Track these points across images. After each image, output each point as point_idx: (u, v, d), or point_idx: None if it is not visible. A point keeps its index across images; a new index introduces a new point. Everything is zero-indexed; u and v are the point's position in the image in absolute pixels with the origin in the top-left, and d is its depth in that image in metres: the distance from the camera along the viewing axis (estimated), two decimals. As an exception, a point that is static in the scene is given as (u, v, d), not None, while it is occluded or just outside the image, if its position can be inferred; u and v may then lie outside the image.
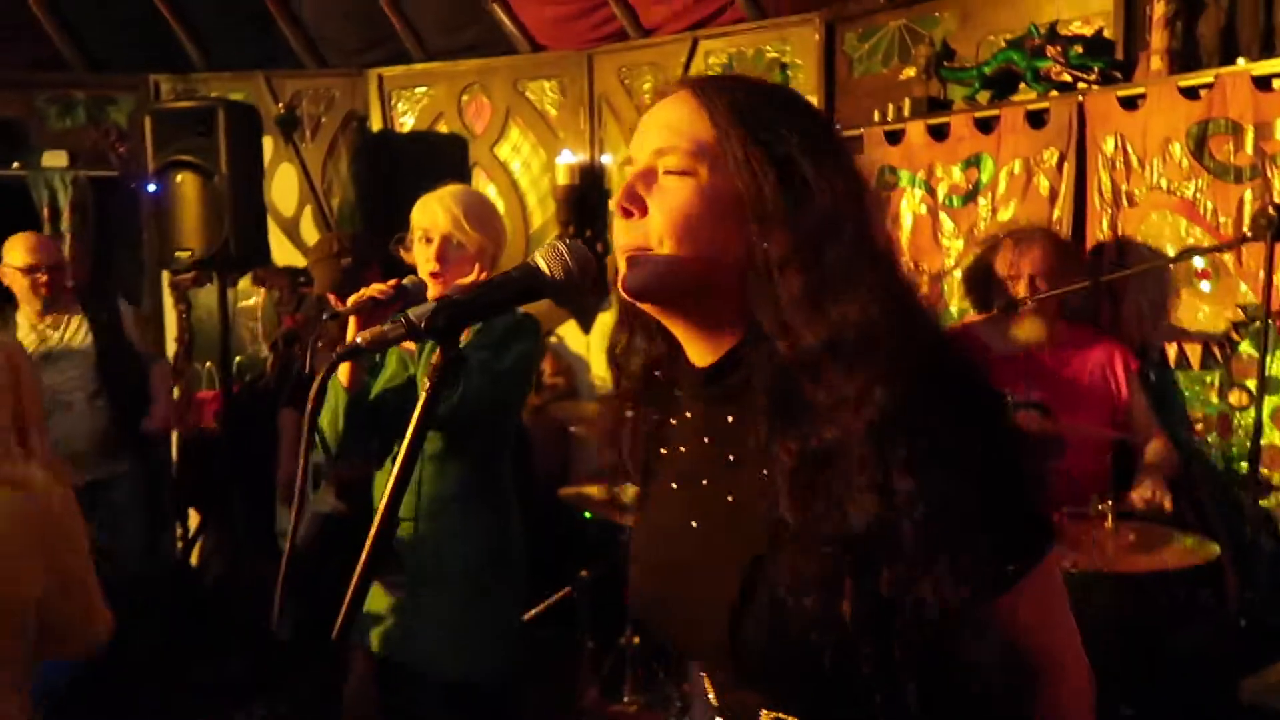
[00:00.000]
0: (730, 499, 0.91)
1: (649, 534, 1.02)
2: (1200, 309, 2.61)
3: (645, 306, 0.94)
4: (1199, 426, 2.62)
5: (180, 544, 4.29)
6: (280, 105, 4.37)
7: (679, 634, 0.98)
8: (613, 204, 0.94)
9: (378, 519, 0.89)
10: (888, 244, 0.90)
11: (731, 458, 0.91)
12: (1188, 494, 2.63)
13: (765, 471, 0.85)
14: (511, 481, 2.11)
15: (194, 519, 4.28)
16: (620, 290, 0.92)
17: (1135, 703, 2.04)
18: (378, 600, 2.05)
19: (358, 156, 4.46)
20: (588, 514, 2.84)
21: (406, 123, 4.42)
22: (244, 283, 4.51)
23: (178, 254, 3.83)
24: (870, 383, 0.81)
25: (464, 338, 1.98)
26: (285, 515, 3.35)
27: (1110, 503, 2.08)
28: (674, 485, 0.99)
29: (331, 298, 3.20)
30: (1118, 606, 2.32)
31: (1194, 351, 2.62)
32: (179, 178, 3.80)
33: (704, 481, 0.95)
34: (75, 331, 3.36)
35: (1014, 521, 0.86)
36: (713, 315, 0.91)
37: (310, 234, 4.40)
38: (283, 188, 4.46)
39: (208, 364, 4.50)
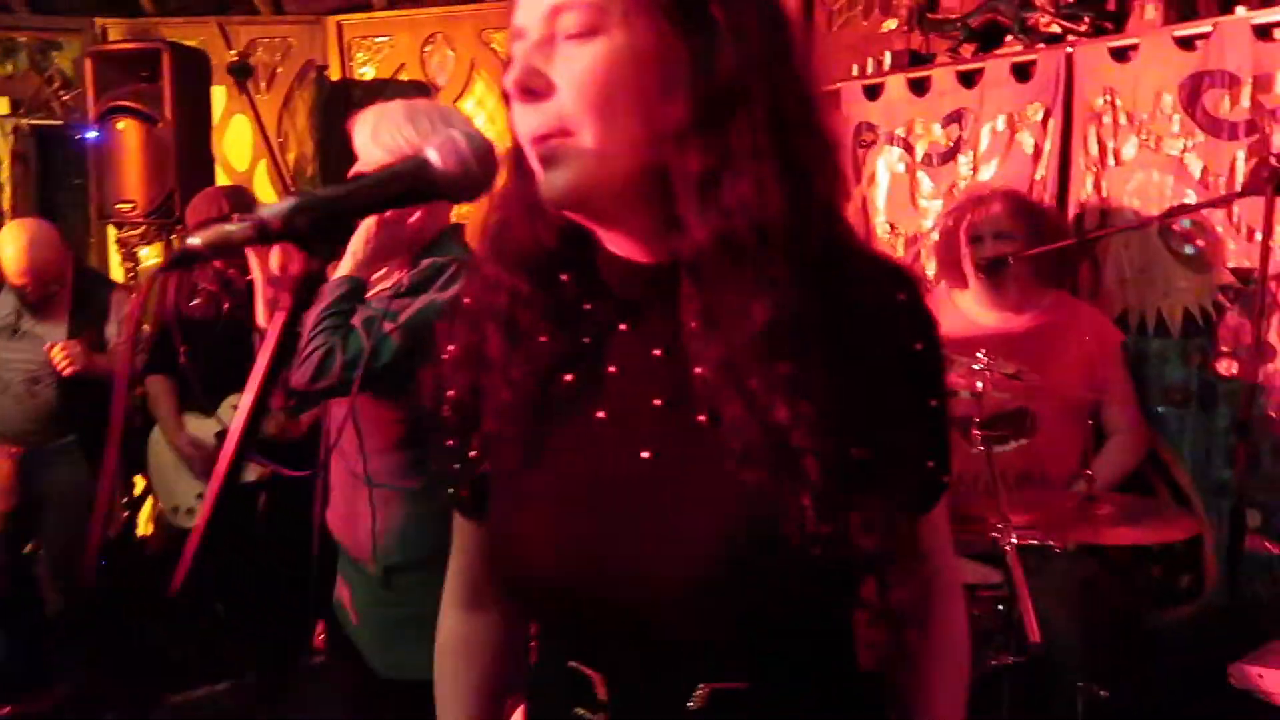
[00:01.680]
0: (702, 418, 0.76)
1: (563, 483, 0.81)
2: (1184, 273, 2.48)
3: (579, 216, 0.78)
4: (1177, 397, 2.50)
5: (125, 513, 4.12)
6: (234, 53, 4.16)
7: (619, 594, 0.78)
8: (507, 81, 0.76)
9: (222, 467, 0.73)
10: (811, 115, 0.77)
11: (699, 370, 0.76)
12: (1164, 472, 2.52)
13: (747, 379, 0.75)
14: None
15: (140, 485, 4.11)
16: (543, 199, 0.77)
17: (1111, 684, 1.93)
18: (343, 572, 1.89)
19: (316, 108, 4.27)
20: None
21: (367, 74, 4.22)
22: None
23: (119, 206, 3.64)
24: (762, 286, 0.72)
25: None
26: (186, 488, 3.09)
27: (1090, 474, 1.96)
28: (600, 415, 0.81)
29: (219, 262, 2.99)
30: (1095, 586, 2.21)
31: (1175, 318, 2.49)
32: (121, 125, 3.61)
33: (656, 402, 0.79)
34: (53, 329, 3.11)
35: (941, 448, 0.86)
36: (652, 207, 0.76)
37: (265, 190, 4.20)
38: (236, 140, 4.26)
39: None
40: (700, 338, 0.76)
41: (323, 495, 1.95)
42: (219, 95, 4.03)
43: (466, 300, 0.88)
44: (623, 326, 0.82)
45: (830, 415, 0.73)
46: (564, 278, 0.82)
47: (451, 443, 0.90)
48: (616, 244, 0.81)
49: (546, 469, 0.82)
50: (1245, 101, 2.33)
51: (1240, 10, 2.36)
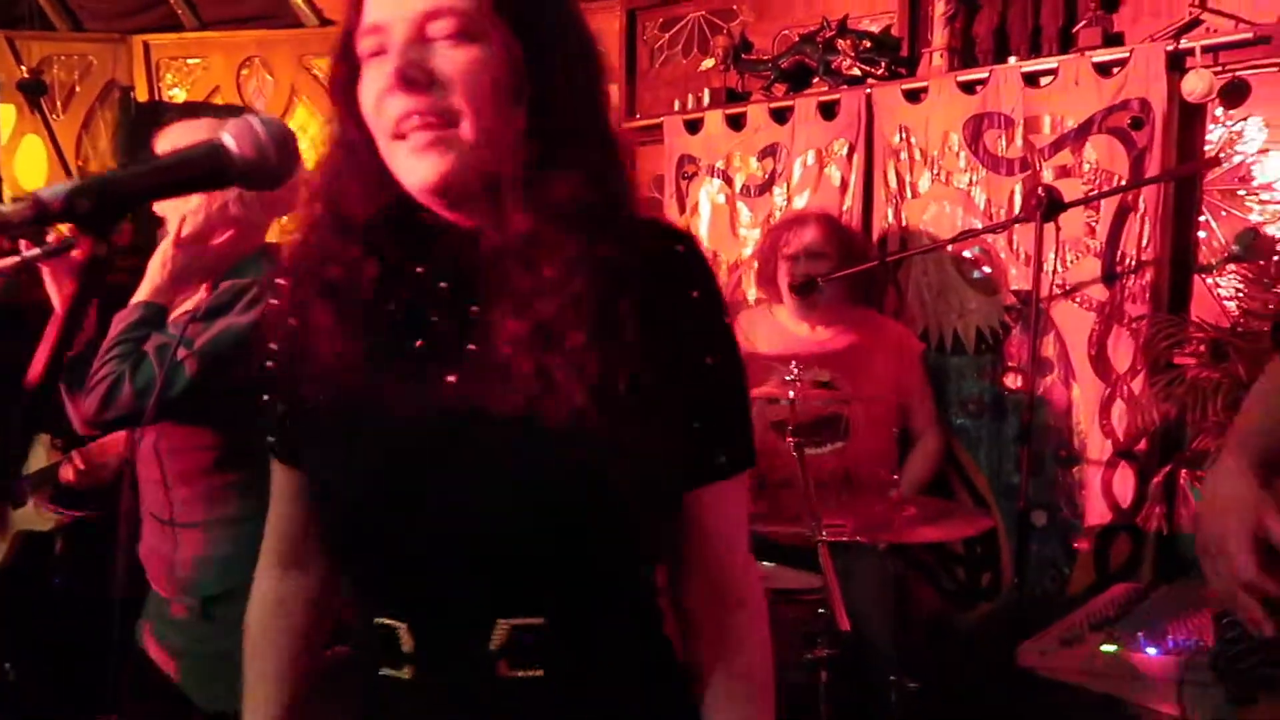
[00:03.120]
0: (496, 368, 0.83)
1: (375, 426, 0.86)
2: (975, 296, 2.71)
3: (439, 199, 0.85)
4: (972, 408, 2.72)
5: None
6: (24, 69, 3.88)
7: (419, 532, 0.84)
8: (385, 73, 0.81)
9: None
10: (609, 127, 0.89)
11: (504, 326, 0.83)
12: (962, 476, 2.73)
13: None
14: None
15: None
16: (426, 180, 0.82)
17: (921, 676, 2.06)
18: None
19: (120, 131, 4.04)
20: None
21: (177, 96, 4.03)
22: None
23: (-115, 229, 3.30)
24: (572, 264, 0.81)
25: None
26: None
27: (896, 478, 2.10)
28: (413, 365, 0.86)
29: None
30: (905, 587, 2.36)
31: (969, 336, 2.71)
32: (-112, 142, 3.30)
33: (470, 348, 0.85)
34: None
35: (727, 416, 0.91)
36: (489, 194, 0.84)
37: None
38: (28, 161, 3.96)
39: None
40: (507, 302, 0.83)
41: (130, 534, 1.83)
42: (8, 114, 3.75)
43: (292, 263, 0.91)
44: (442, 285, 0.88)
45: (610, 371, 0.80)
46: (392, 244, 0.88)
47: (272, 394, 0.94)
48: (447, 217, 0.87)
49: (361, 414, 0.86)
50: (1019, 140, 2.58)
51: (1012, 59, 2.63)
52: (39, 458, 2.72)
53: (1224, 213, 2.38)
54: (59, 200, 0.66)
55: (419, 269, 0.88)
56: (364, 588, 0.92)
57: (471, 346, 0.85)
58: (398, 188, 0.85)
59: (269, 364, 0.93)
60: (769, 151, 3.05)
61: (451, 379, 0.85)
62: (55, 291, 1.75)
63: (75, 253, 0.69)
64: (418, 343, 0.87)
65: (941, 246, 2.63)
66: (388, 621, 0.87)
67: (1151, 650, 1.53)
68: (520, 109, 0.82)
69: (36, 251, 1.69)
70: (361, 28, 0.84)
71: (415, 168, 0.82)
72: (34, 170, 3.99)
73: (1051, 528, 2.59)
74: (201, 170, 0.73)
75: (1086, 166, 2.49)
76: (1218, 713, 1.31)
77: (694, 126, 3.21)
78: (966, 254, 2.72)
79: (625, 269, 0.83)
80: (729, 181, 3.13)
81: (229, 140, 0.73)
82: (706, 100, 3.21)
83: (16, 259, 1.75)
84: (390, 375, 0.86)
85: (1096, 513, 2.53)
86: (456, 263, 0.87)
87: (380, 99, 0.82)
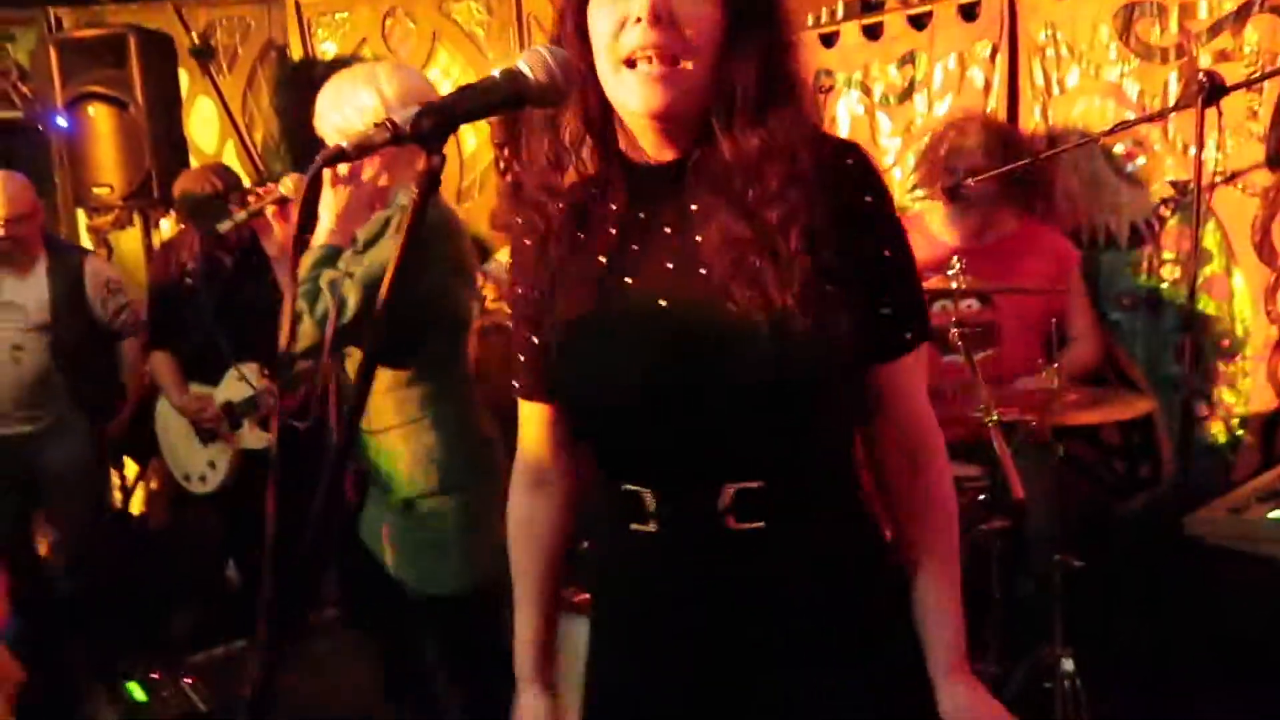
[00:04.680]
0: (703, 271, 1.00)
1: (612, 336, 1.04)
2: (1127, 189, 2.69)
3: (657, 121, 1.00)
4: (1127, 303, 2.72)
5: (120, 494, 4.17)
6: (194, 35, 4.18)
7: (661, 414, 1.01)
8: (629, 7, 0.96)
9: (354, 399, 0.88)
10: (804, 74, 1.05)
11: (699, 238, 1.00)
12: (1117, 370, 2.74)
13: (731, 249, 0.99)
14: (459, 399, 1.96)
15: (131, 468, 4.16)
16: (653, 106, 0.97)
17: (1085, 557, 2.14)
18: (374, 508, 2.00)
19: (280, 88, 4.31)
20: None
21: (328, 50, 4.27)
22: (170, 223, 4.34)
23: (95, 190, 3.67)
24: (789, 180, 0.97)
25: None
26: (197, 457, 3.17)
27: (1056, 367, 2.16)
28: (629, 280, 1.03)
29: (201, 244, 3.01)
30: (1065, 477, 2.42)
31: (1123, 231, 2.70)
32: (91, 111, 3.64)
33: (669, 266, 1.02)
34: (31, 286, 3.12)
35: (907, 298, 1.06)
36: (699, 123, 1.01)
37: (236, 170, 4.24)
38: (201, 122, 4.29)
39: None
40: (729, 211, 0.99)
41: (344, 445, 2.06)
42: (182, 78, 4.06)
43: (525, 205, 1.09)
44: (641, 215, 1.04)
45: (816, 267, 0.96)
46: (595, 191, 1.06)
47: (519, 342, 1.13)
48: (646, 146, 1.04)
49: (600, 328, 1.04)
50: (1173, 27, 2.53)
51: (1165, -58, 2.57)
52: (250, 385, 3.03)
53: (1400, 86, 2.30)
54: (409, 123, 0.82)
55: (637, 191, 1.04)
56: (614, 465, 1.09)
57: (670, 264, 1.01)
58: (609, 114, 1.00)
59: (514, 320, 1.12)
60: (908, 59, 3.06)
61: (680, 282, 1.01)
62: (278, 229, 1.98)
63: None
64: (628, 265, 1.03)
65: (1095, 140, 2.61)
66: (634, 488, 1.05)
67: (1323, 515, 1.59)
68: (750, 61, 0.98)
69: (264, 203, 1.95)
70: None
71: (643, 93, 0.97)
72: (208, 129, 4.32)
73: (1215, 416, 2.60)
74: (506, 94, 0.88)
75: (1247, 49, 2.43)
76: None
77: (829, 40, 3.23)
78: (1117, 148, 2.69)
79: (816, 182, 0.98)
80: (868, 92, 3.16)
81: (525, 67, 0.88)
82: (840, 13, 3.22)
83: (247, 211, 2.00)
84: (627, 284, 1.03)
85: (1262, 400, 2.53)
86: (664, 185, 1.03)
87: (620, 29, 0.96)
